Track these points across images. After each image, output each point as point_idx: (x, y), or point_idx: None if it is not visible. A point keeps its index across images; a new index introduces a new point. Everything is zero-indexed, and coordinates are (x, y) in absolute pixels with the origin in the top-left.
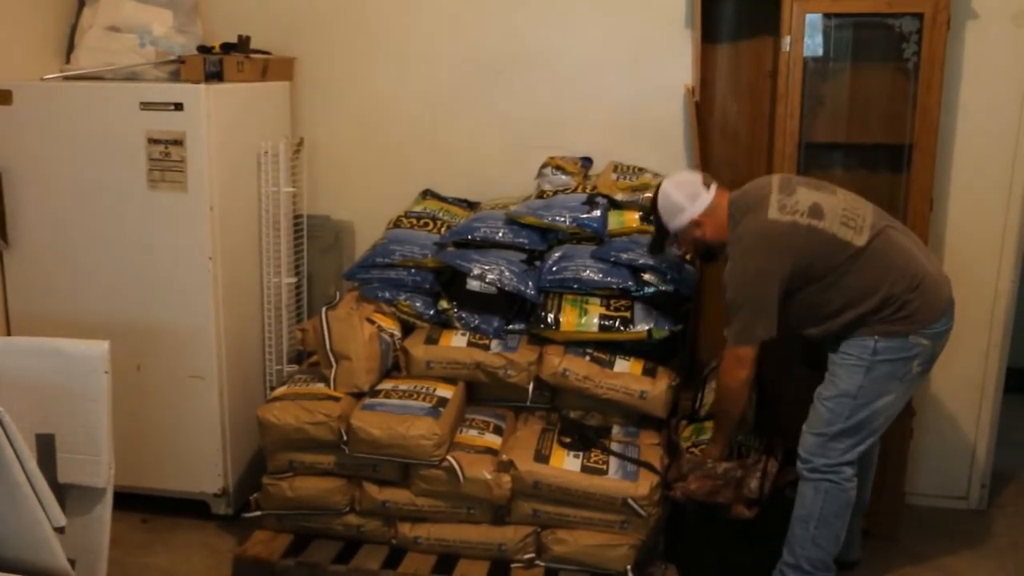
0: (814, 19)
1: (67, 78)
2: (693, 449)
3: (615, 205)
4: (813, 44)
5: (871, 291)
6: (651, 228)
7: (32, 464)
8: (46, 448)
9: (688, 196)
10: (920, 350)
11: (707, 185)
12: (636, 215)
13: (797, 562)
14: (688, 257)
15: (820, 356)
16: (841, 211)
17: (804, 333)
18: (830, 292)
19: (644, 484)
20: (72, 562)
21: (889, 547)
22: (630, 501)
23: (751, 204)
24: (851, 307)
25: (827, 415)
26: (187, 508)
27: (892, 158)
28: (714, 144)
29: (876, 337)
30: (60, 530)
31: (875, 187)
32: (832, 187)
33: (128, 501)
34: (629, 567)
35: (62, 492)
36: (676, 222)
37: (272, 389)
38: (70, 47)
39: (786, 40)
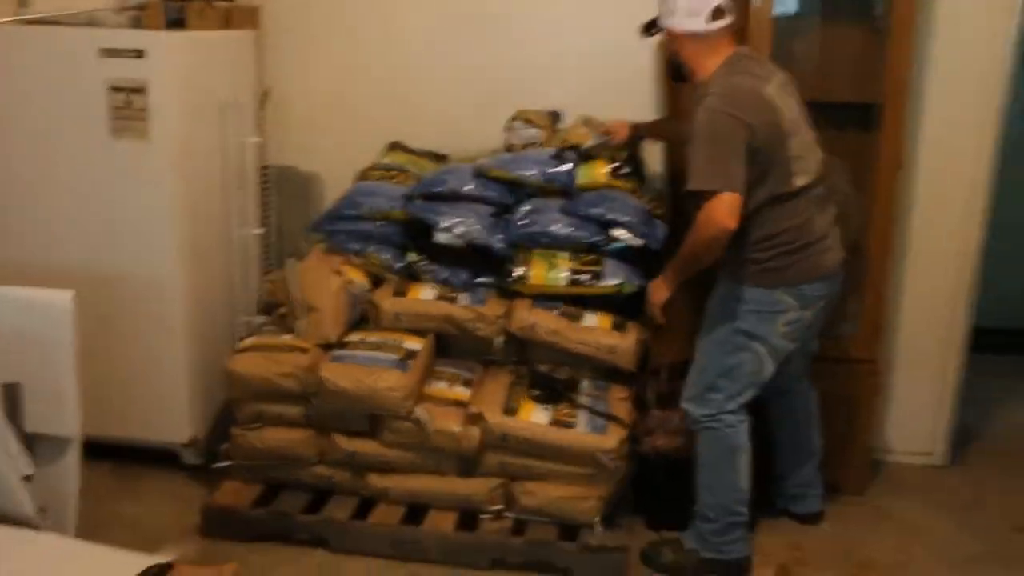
0: None
1: (24, 22)
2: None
3: (585, 158)
4: (783, 1)
5: (767, 225)
6: (623, 183)
7: None
8: (13, 397)
9: (689, 9)
10: (784, 307)
11: (716, 16)
12: (605, 168)
13: (701, 509)
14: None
15: None
16: (798, 150)
17: None
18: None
19: (612, 437)
20: (42, 511)
21: (855, 502)
22: (598, 454)
23: (748, 71)
24: (747, 229)
25: (700, 363)
26: (157, 458)
27: (862, 117)
28: (684, 95)
29: (743, 286)
30: (28, 478)
31: (844, 146)
32: (807, 123)
33: (97, 451)
34: (597, 519)
35: (30, 441)
36: (663, 20)
37: (241, 340)
38: None
39: None
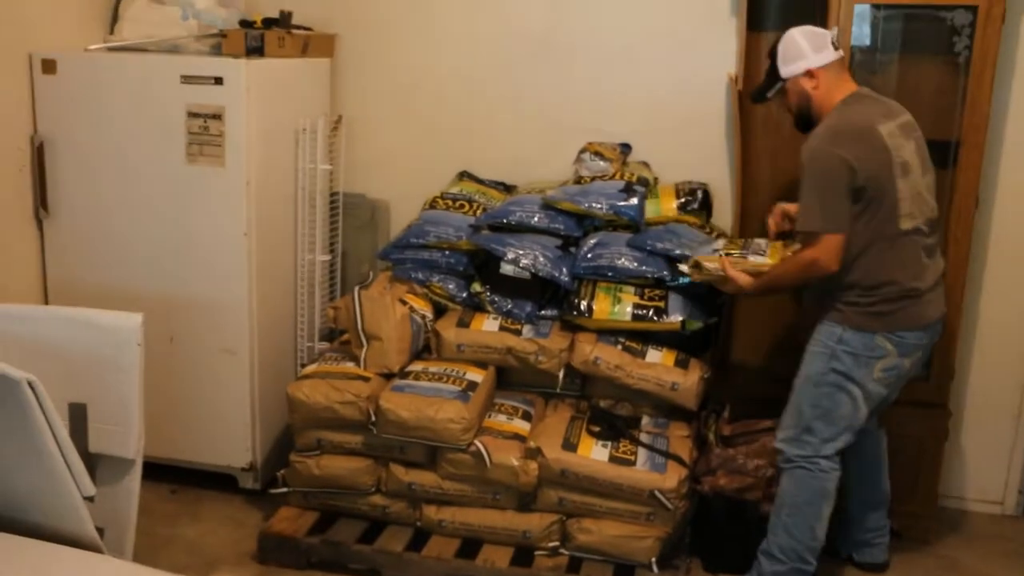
0: (863, 9)
1: (110, 49)
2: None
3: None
4: (861, 34)
5: (876, 270)
6: (691, 218)
7: (63, 433)
8: (78, 417)
9: (813, 45)
10: (883, 354)
11: (836, 47)
12: (674, 202)
13: (770, 548)
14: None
15: None
16: (913, 192)
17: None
18: (853, 239)
19: (672, 477)
20: (101, 531)
21: (921, 550)
22: (657, 493)
23: (871, 108)
24: (851, 270)
25: (795, 402)
26: (215, 481)
27: (938, 154)
28: (756, 134)
29: (844, 327)
30: (90, 499)
31: None
32: (928, 169)
33: (157, 472)
34: (653, 559)
35: (93, 461)
36: (790, 68)
37: (303, 366)
38: (114, 18)
39: (834, 30)
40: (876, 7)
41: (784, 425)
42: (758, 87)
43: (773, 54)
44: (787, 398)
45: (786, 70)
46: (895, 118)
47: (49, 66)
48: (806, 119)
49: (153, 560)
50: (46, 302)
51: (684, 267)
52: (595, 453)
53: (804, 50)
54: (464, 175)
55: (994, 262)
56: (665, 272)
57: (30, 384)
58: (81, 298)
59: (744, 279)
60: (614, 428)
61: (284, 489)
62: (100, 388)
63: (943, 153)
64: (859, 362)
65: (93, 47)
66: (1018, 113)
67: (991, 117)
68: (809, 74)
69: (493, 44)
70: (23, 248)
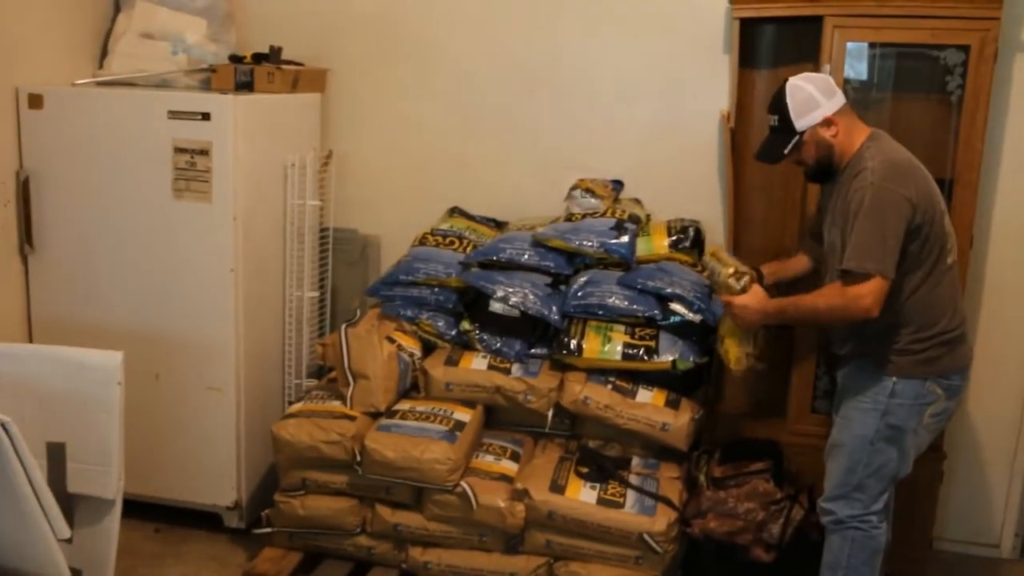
0: (855, 48)
1: (99, 84)
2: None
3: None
4: (854, 73)
5: (928, 310)
6: (683, 256)
7: (38, 475)
8: (56, 457)
9: (823, 91)
10: (934, 399)
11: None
12: (665, 240)
13: None
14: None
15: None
16: (949, 223)
17: (832, 345)
18: (904, 280)
19: (661, 519)
20: (79, 572)
21: None
22: (646, 536)
23: (900, 147)
24: (904, 311)
25: (846, 465)
26: (200, 520)
27: None
28: (748, 170)
29: (895, 379)
30: (67, 541)
31: None
32: None
33: (142, 510)
34: None
35: (71, 502)
36: (807, 119)
37: (290, 403)
38: (104, 53)
39: (826, 68)
40: (870, 45)
41: (833, 485)
42: (769, 147)
43: (778, 108)
44: (827, 455)
45: (802, 122)
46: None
47: (36, 101)
48: (826, 169)
49: None
50: (30, 338)
51: (706, 257)
52: (583, 495)
53: (817, 98)
54: (455, 211)
55: (989, 302)
56: (656, 311)
57: (3, 425)
58: (66, 334)
59: (767, 302)
60: (603, 469)
61: (268, 529)
62: (80, 427)
63: None
64: (911, 411)
65: (80, 81)
66: (1011, 152)
67: (984, 155)
68: (827, 122)
69: (486, 79)
70: (8, 283)
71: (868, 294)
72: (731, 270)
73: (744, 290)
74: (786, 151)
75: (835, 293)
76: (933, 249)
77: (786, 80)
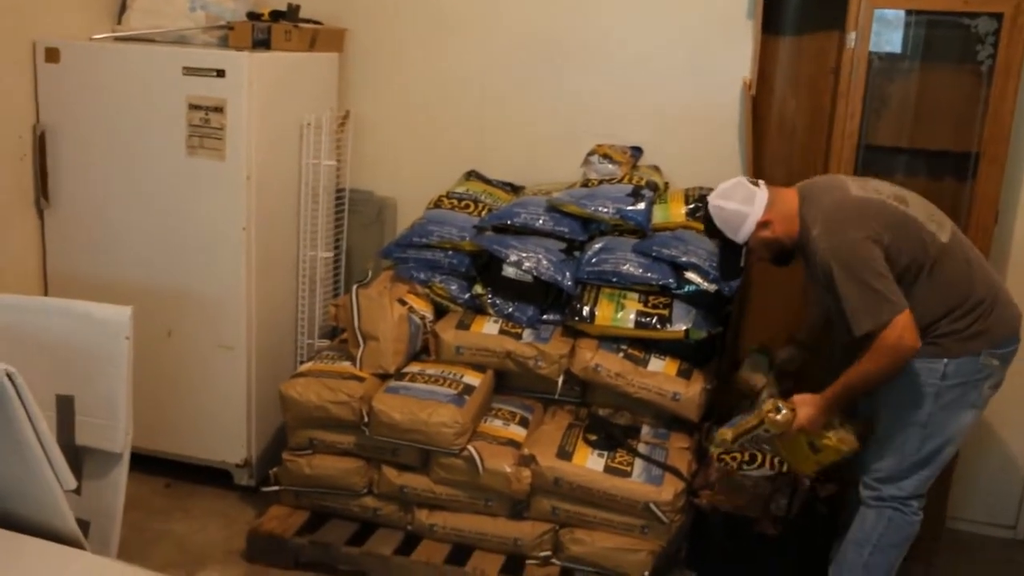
0: (883, 15)
1: (116, 39)
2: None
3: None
4: (880, 41)
5: (953, 292)
6: (699, 224)
7: (43, 425)
8: (65, 409)
9: (742, 199)
10: (991, 372)
11: (754, 183)
12: (682, 208)
13: None
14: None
15: None
16: (923, 204)
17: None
18: (914, 287)
19: (668, 489)
20: (86, 523)
21: (925, 573)
22: (652, 506)
23: (827, 187)
24: (930, 307)
25: (897, 447)
26: (211, 476)
27: (957, 166)
28: (769, 140)
29: (945, 360)
30: (77, 491)
31: (938, 195)
32: (905, 189)
33: (153, 465)
34: (646, 573)
35: (80, 454)
36: (743, 231)
37: (302, 363)
38: (123, 8)
39: (851, 36)
40: (898, 13)
41: (882, 466)
42: (725, 266)
43: (714, 232)
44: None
45: (741, 235)
46: (841, 178)
47: (52, 54)
48: (784, 255)
49: (142, 556)
50: (46, 292)
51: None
52: (590, 462)
53: (742, 211)
54: (472, 174)
55: (1013, 278)
56: (670, 279)
57: (8, 375)
58: (80, 288)
59: (817, 399)
60: (611, 437)
61: (276, 487)
62: (88, 381)
63: (962, 165)
64: (967, 389)
65: (98, 36)
66: None
67: (1013, 129)
68: (762, 225)
69: (507, 44)
70: (24, 237)
71: (902, 333)
72: (768, 410)
73: (793, 411)
74: (742, 264)
75: (876, 354)
76: (917, 250)
77: (705, 205)
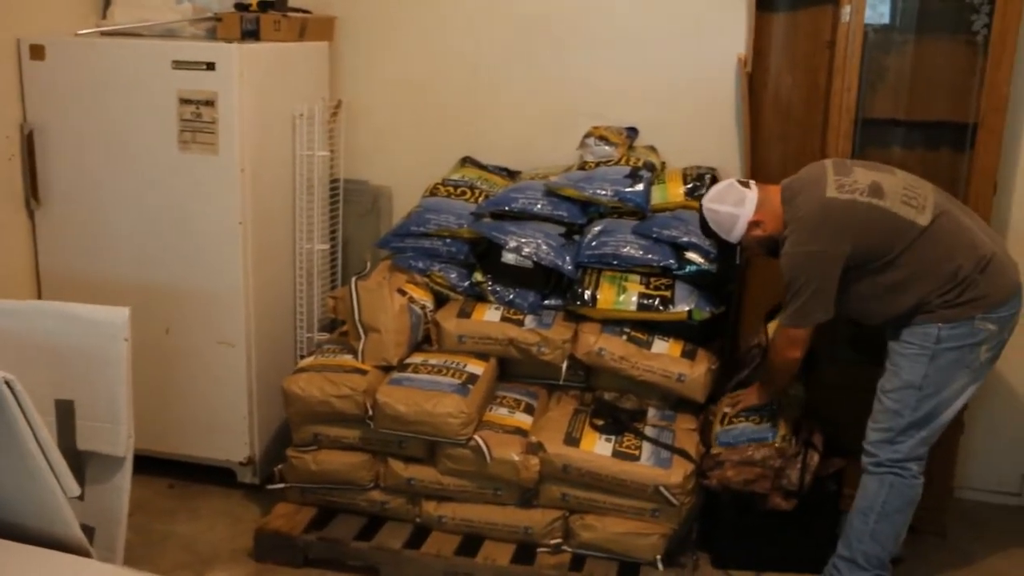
0: None
1: (102, 34)
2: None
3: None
4: (875, 14)
5: (936, 270)
6: (696, 204)
7: (44, 433)
8: (65, 414)
9: (734, 202)
10: (986, 335)
11: (745, 184)
12: (681, 188)
13: (852, 556)
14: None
15: (868, 341)
16: (901, 190)
17: (864, 320)
18: (894, 273)
19: (678, 472)
20: (91, 529)
21: (936, 544)
22: (662, 489)
23: (806, 185)
24: (915, 288)
25: (893, 408)
26: (214, 476)
27: (955, 137)
28: (766, 117)
29: (939, 324)
30: (80, 497)
31: (936, 167)
32: (890, 168)
33: (156, 466)
34: (659, 556)
35: (82, 459)
36: (736, 232)
37: (302, 357)
38: (107, 2)
39: (846, 9)
40: None
41: (878, 428)
42: (723, 266)
43: (710, 234)
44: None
45: (734, 236)
46: (824, 169)
47: (37, 52)
48: (773, 249)
49: (149, 559)
50: (39, 294)
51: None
52: (598, 448)
53: (734, 212)
54: (467, 161)
55: (1014, 248)
56: (671, 260)
57: (7, 383)
58: (74, 289)
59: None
60: (618, 422)
61: (281, 485)
62: (88, 384)
63: (960, 136)
64: (961, 353)
65: (83, 32)
66: None
67: (1010, 99)
68: (753, 224)
69: (497, 25)
70: (15, 238)
71: (793, 342)
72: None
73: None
74: (738, 262)
75: (775, 345)
76: (887, 242)
77: (700, 210)
